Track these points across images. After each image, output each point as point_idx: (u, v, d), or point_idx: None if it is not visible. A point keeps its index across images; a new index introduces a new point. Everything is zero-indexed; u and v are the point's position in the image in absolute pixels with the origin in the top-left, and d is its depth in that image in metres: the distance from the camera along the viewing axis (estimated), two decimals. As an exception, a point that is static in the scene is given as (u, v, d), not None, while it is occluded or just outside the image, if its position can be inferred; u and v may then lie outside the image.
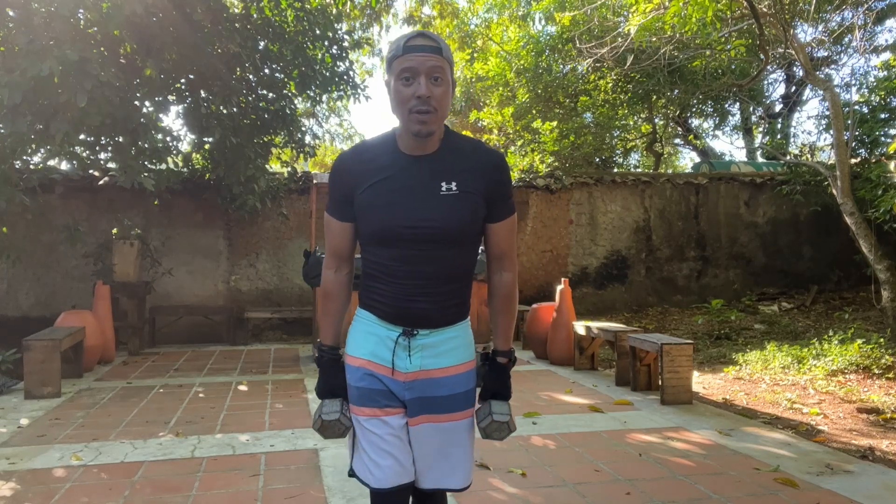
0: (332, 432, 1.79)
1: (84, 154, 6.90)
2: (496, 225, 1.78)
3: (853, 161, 8.52)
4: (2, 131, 5.90)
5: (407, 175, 1.70)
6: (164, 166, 7.46)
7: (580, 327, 6.44)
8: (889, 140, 8.88)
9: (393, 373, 1.75)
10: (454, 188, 1.69)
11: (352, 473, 1.82)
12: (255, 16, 7.63)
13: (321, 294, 1.88)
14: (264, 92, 8.14)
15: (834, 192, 7.33)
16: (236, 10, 7.85)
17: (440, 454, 1.79)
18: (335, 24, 8.02)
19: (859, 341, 6.35)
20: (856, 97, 9.81)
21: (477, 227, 1.76)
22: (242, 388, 5.78)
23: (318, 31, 7.85)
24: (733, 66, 11.22)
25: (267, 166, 8.47)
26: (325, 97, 8.83)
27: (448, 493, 1.92)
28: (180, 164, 8.19)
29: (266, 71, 7.96)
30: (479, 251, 1.91)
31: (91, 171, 7.99)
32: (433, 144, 1.72)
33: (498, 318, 1.87)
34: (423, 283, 1.72)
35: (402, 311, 1.74)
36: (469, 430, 1.85)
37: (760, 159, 14.34)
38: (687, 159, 22.43)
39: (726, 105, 14.11)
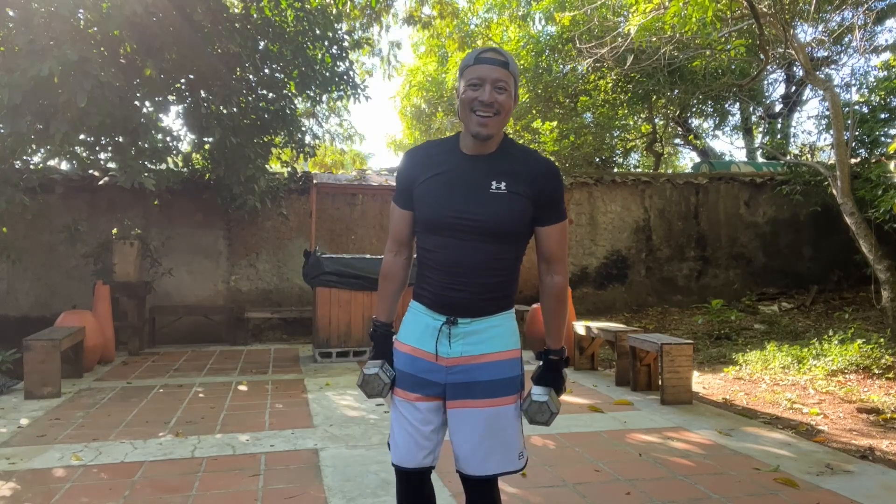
0: (373, 388, 1.96)
1: (84, 154, 6.90)
2: (545, 228, 1.92)
3: (853, 161, 8.51)
4: (2, 131, 5.90)
5: (462, 171, 1.89)
6: (164, 166, 7.46)
7: (580, 327, 6.44)
8: (889, 140, 8.88)
9: (437, 358, 1.90)
10: (503, 188, 1.85)
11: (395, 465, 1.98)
12: (255, 16, 7.63)
13: (381, 275, 2.08)
14: (264, 92, 8.14)
15: (834, 192, 7.33)
16: (236, 10, 7.85)
17: (482, 439, 1.88)
18: (335, 24, 8.02)
19: (859, 341, 6.35)
20: (856, 97, 9.82)
21: (521, 226, 1.89)
22: (242, 388, 5.78)
23: (318, 31, 7.85)
24: (733, 66, 11.22)
25: (267, 166, 8.47)
26: (325, 97, 8.84)
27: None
28: (180, 164, 8.18)
29: (266, 71, 7.96)
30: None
31: (91, 171, 7.98)
32: (490, 147, 1.90)
33: (549, 318, 2.00)
34: (464, 273, 1.87)
35: (445, 299, 1.90)
36: (513, 417, 1.92)
37: (760, 159, 14.34)
38: (687, 159, 22.44)
39: (726, 105, 14.11)
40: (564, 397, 5.32)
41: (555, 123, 10.97)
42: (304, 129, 9.10)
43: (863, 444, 4.05)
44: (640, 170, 16.75)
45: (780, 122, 14.71)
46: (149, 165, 6.95)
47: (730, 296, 10.30)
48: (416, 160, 1.96)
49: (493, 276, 1.89)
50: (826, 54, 11.99)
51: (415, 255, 2.05)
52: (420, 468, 1.92)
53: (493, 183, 1.86)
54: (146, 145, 6.70)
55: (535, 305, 7.38)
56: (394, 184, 7.85)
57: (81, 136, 6.47)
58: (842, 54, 12.64)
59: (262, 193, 8.14)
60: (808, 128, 27.83)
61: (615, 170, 13.21)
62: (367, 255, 7.59)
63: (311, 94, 8.35)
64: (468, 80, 1.84)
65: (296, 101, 8.62)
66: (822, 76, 9.65)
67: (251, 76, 7.95)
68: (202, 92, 7.67)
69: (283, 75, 8.08)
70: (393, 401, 1.98)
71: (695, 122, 15.75)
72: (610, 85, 11.95)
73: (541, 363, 2.00)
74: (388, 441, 2.00)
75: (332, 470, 3.58)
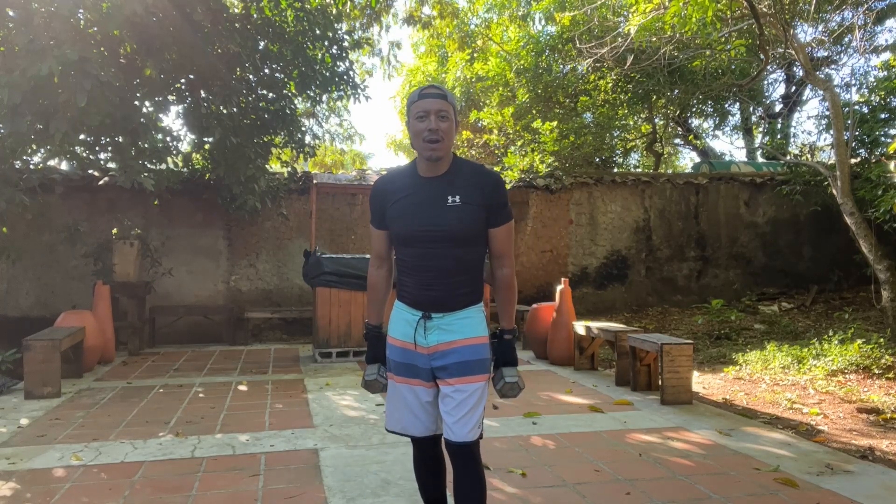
0: (373, 389, 2.42)
1: (84, 154, 6.89)
2: (495, 229, 2.29)
3: (853, 161, 8.51)
4: (2, 131, 5.90)
5: (422, 192, 2.25)
6: (163, 166, 7.46)
7: (580, 327, 6.44)
8: (889, 140, 8.88)
9: (416, 347, 2.29)
10: (458, 200, 2.21)
11: (388, 429, 2.41)
12: (255, 16, 7.63)
13: (368, 285, 2.48)
14: (264, 92, 8.14)
15: (834, 192, 7.33)
16: (236, 10, 7.85)
17: (460, 411, 2.22)
18: (335, 24, 8.01)
19: (859, 341, 6.35)
20: (856, 97, 9.81)
21: (477, 230, 2.25)
22: (242, 388, 5.78)
23: (318, 31, 7.85)
24: (733, 66, 11.21)
25: (267, 166, 8.47)
26: (325, 97, 8.83)
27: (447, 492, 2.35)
28: (180, 164, 8.18)
29: (266, 71, 7.96)
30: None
31: (91, 171, 7.99)
32: (442, 168, 2.25)
33: (501, 304, 2.39)
34: (435, 275, 2.25)
35: (421, 298, 2.28)
36: (481, 393, 2.27)
37: (760, 159, 14.34)
38: (687, 159, 22.43)
39: (726, 105, 14.10)
40: (564, 397, 5.33)
41: (555, 123, 10.94)
42: (304, 129, 9.09)
43: (863, 444, 4.05)
44: (640, 170, 16.74)
45: (780, 122, 14.70)
46: (149, 165, 6.95)
47: (730, 296, 10.30)
48: (384, 188, 2.33)
49: (459, 276, 2.26)
50: (826, 54, 11.99)
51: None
52: (432, 435, 2.36)
53: (449, 197, 2.21)
54: (146, 145, 6.69)
55: (535, 305, 7.37)
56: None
57: (81, 136, 6.46)
58: (842, 54, 12.64)
59: (262, 193, 8.14)
60: (808, 128, 27.84)
61: (615, 170, 13.20)
62: (367, 256, 7.59)
63: (311, 94, 8.35)
64: (415, 113, 2.19)
65: (296, 101, 8.62)
66: (822, 76, 9.65)
67: (251, 76, 7.95)
68: (202, 92, 7.66)
69: (283, 75, 8.08)
70: (391, 384, 2.39)
71: (695, 122, 15.74)
72: (610, 85, 11.95)
73: (497, 342, 2.35)
74: (385, 413, 2.41)
75: (332, 470, 3.58)
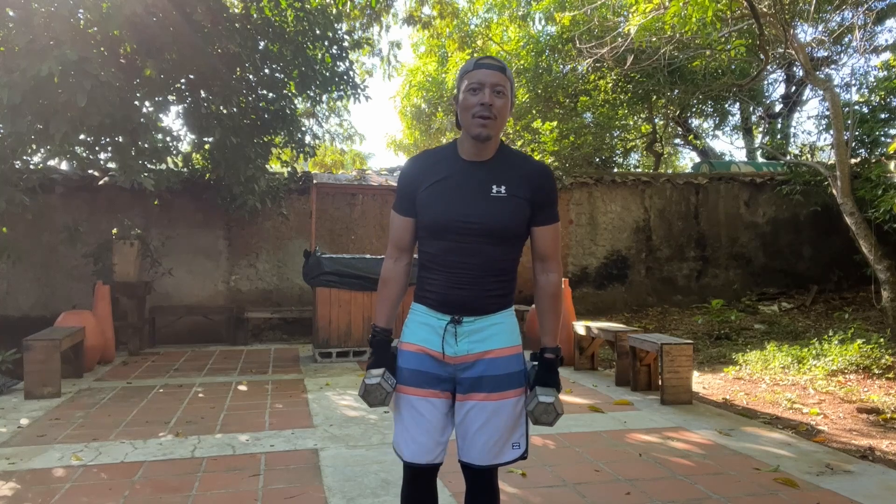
0: (375, 397, 1.98)
1: (84, 154, 6.89)
2: (541, 228, 2.01)
3: (853, 161, 8.51)
4: (2, 131, 5.90)
5: (463, 177, 1.96)
6: (163, 166, 7.46)
7: (580, 327, 6.44)
8: (889, 140, 8.88)
9: (444, 356, 1.96)
10: (503, 191, 1.93)
11: (400, 456, 2.01)
12: (255, 16, 7.63)
13: (381, 281, 2.11)
14: (264, 92, 8.14)
15: (834, 192, 7.33)
16: (236, 10, 7.85)
17: (488, 431, 1.94)
18: (335, 24, 8.01)
19: (859, 341, 6.35)
20: (856, 97, 9.82)
21: (520, 227, 1.97)
22: (242, 388, 5.78)
23: (318, 31, 7.84)
24: (733, 66, 11.22)
25: (267, 166, 8.47)
26: (325, 97, 8.83)
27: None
28: (180, 164, 8.18)
29: (266, 71, 7.96)
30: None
31: (91, 171, 7.99)
32: (489, 152, 1.97)
33: (545, 317, 2.08)
34: (468, 273, 1.95)
35: (450, 299, 1.96)
36: (516, 409, 1.98)
37: (760, 159, 14.34)
38: (687, 159, 22.43)
39: (726, 105, 14.11)
40: (564, 397, 5.32)
41: (555, 123, 10.95)
42: (304, 129, 9.09)
43: (863, 444, 4.05)
44: (640, 170, 16.74)
45: (780, 122, 14.70)
46: (149, 165, 6.95)
47: (730, 296, 10.30)
48: (418, 168, 2.02)
49: (495, 277, 1.97)
50: (826, 54, 11.98)
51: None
52: (434, 464, 1.98)
53: (494, 187, 1.93)
54: (146, 145, 6.69)
55: (534, 305, 7.37)
56: (394, 184, 7.85)
57: (81, 136, 6.46)
58: (842, 54, 12.64)
59: (262, 193, 8.14)
60: (808, 128, 27.87)
61: (615, 170, 13.20)
62: (367, 255, 7.59)
63: (311, 94, 8.35)
64: (467, 85, 1.91)
65: (296, 101, 8.61)
66: (822, 76, 9.65)
67: (251, 76, 7.94)
68: (202, 92, 7.66)
69: (283, 75, 8.08)
70: (402, 400, 2.00)
71: (695, 122, 15.74)
72: (610, 85, 11.95)
73: (536, 363, 2.04)
74: (395, 442, 2.03)
75: (332, 470, 3.58)
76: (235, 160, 7.56)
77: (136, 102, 6.77)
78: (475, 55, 14.09)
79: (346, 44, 8.29)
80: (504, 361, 1.97)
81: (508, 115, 1.98)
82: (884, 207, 7.40)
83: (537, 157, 10.31)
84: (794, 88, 14.36)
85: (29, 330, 6.57)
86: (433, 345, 1.97)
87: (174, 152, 7.60)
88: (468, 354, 1.96)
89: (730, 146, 36.16)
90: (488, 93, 1.88)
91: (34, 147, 6.41)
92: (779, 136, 13.75)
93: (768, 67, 10.30)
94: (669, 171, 18.64)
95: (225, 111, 7.73)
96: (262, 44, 7.67)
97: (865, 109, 9.06)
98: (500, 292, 2.00)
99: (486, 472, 1.98)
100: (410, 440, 1.97)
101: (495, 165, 1.97)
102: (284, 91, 8.10)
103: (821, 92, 8.55)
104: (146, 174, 6.61)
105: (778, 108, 15.18)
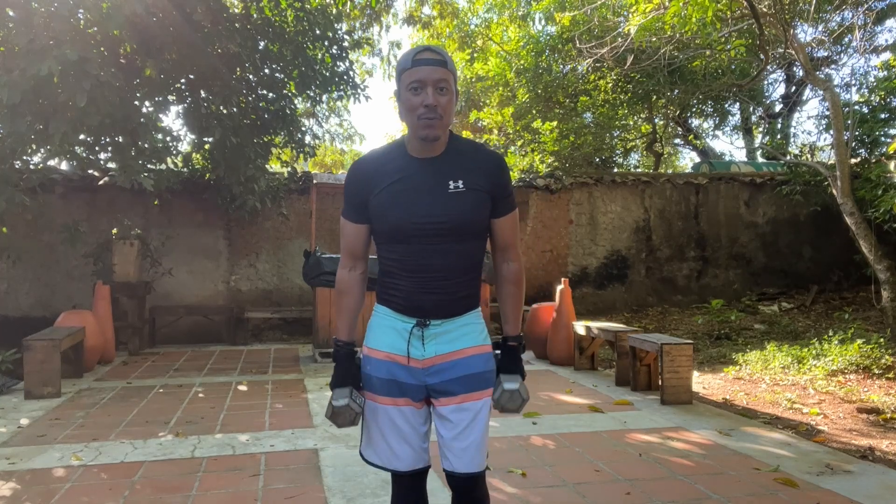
0: (344, 419, 1.89)
1: (84, 154, 6.89)
2: (500, 219, 1.94)
3: (853, 161, 8.51)
4: (2, 131, 5.90)
5: (417, 176, 1.85)
6: (163, 166, 7.46)
7: (580, 327, 6.44)
8: (889, 140, 8.88)
9: (409, 360, 1.89)
10: (461, 186, 1.85)
11: (369, 461, 1.95)
12: (255, 16, 7.63)
13: (336, 291, 2.04)
14: (264, 92, 8.14)
15: (834, 192, 7.33)
16: (236, 10, 7.85)
17: (467, 435, 1.88)
18: (335, 24, 8.01)
19: (859, 341, 6.35)
20: (856, 97, 9.82)
21: (483, 221, 1.90)
22: (242, 388, 5.78)
23: (318, 31, 7.84)
24: (733, 66, 11.22)
25: (267, 166, 8.47)
26: (325, 97, 8.83)
27: (446, 492, 2.03)
28: (180, 164, 8.18)
29: (266, 71, 7.96)
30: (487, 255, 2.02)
31: (91, 171, 7.99)
32: (439, 147, 1.87)
33: (507, 305, 2.02)
34: (434, 276, 1.86)
35: (416, 303, 1.88)
36: (487, 412, 1.93)
37: (760, 159, 14.34)
38: (687, 159, 22.43)
39: (726, 105, 14.10)
40: (564, 397, 5.32)
41: (555, 123, 10.95)
42: (304, 129, 9.09)
43: (863, 444, 4.05)
44: (640, 170, 16.74)
45: (780, 122, 14.70)
46: (148, 166, 6.95)
47: (730, 296, 10.30)
48: (367, 171, 1.90)
49: (461, 277, 1.90)
50: (826, 54, 11.98)
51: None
52: (420, 469, 1.94)
53: (451, 182, 1.85)
54: (146, 145, 6.69)
55: (535, 305, 7.37)
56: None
57: (81, 136, 6.46)
58: (842, 54, 12.64)
59: (262, 193, 8.14)
60: (808, 128, 27.87)
61: (615, 170, 13.20)
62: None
63: (311, 94, 8.35)
64: (408, 83, 1.78)
65: (296, 101, 8.61)
66: (822, 76, 9.65)
67: (251, 76, 7.94)
68: (202, 92, 7.66)
69: (283, 75, 8.08)
70: (377, 410, 1.92)
71: (695, 122, 15.74)
72: (610, 85, 11.95)
73: (501, 353, 1.99)
74: (366, 450, 1.96)
75: (332, 470, 3.58)
76: (235, 160, 7.56)
77: (136, 102, 6.77)
78: (475, 55, 14.13)
79: (346, 44, 8.29)
80: (474, 360, 1.91)
81: (454, 108, 1.87)
82: (884, 207, 7.40)
83: (537, 157, 10.31)
84: (794, 88, 14.36)
85: (29, 330, 6.58)
86: (399, 350, 1.90)
87: (174, 152, 7.60)
88: (436, 356, 1.88)
89: (730, 146, 36.16)
90: (431, 92, 1.76)
91: (34, 147, 6.41)
92: (779, 136, 13.75)
93: (768, 67, 10.30)
94: (669, 171, 18.63)
95: (225, 111, 7.73)
96: (262, 44, 7.67)
97: (865, 109, 9.06)
98: (467, 293, 1.92)
99: (472, 479, 1.90)
100: (389, 450, 1.91)
101: (448, 160, 1.87)
102: (284, 91, 8.10)
103: (821, 92, 8.55)
104: (146, 174, 6.61)
105: (778, 108, 15.18)
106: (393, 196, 1.84)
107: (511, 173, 9.72)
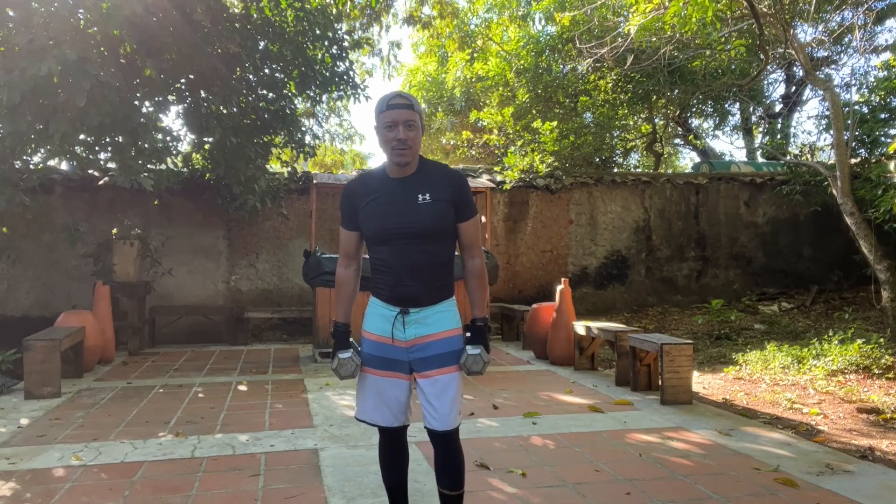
0: (346, 369, 2.44)
1: (84, 154, 6.89)
2: (464, 224, 2.44)
3: (853, 161, 8.51)
4: (2, 131, 5.90)
5: (393, 192, 2.38)
6: (163, 166, 7.46)
7: (580, 327, 6.43)
8: (889, 140, 8.88)
9: (393, 341, 2.41)
10: (428, 198, 2.35)
11: (359, 419, 2.49)
12: (255, 16, 7.63)
13: (337, 283, 2.57)
14: (264, 92, 8.13)
15: (834, 192, 7.33)
16: (236, 10, 7.84)
17: (442, 401, 2.37)
18: (335, 24, 8.01)
19: (859, 341, 6.35)
20: (856, 97, 9.81)
21: (448, 225, 2.39)
22: (242, 388, 5.78)
23: (318, 31, 7.84)
24: (733, 66, 11.21)
25: (267, 166, 8.46)
26: (325, 97, 8.82)
27: (453, 494, 2.47)
28: (180, 164, 8.18)
29: (266, 71, 7.96)
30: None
31: (91, 171, 7.98)
32: (410, 169, 2.39)
33: (473, 294, 2.50)
34: (411, 271, 2.37)
35: (398, 294, 2.40)
36: (458, 381, 2.43)
37: (760, 159, 14.33)
38: (687, 159, 22.41)
39: (726, 105, 14.09)
40: (564, 397, 5.33)
41: (555, 123, 10.94)
42: (304, 129, 9.08)
43: (863, 444, 4.05)
44: (640, 170, 16.74)
45: (780, 122, 14.69)
46: (148, 166, 6.95)
47: (730, 296, 10.30)
48: (356, 190, 2.45)
49: (433, 271, 2.39)
50: (826, 54, 11.98)
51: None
52: (401, 426, 2.48)
53: (420, 196, 2.35)
54: (146, 145, 6.69)
55: (535, 305, 7.37)
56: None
57: (81, 136, 6.46)
58: (842, 54, 12.64)
59: (262, 193, 8.13)
60: (808, 128, 27.82)
61: (615, 170, 13.19)
62: (367, 256, 7.58)
63: (311, 94, 8.34)
64: (383, 123, 2.31)
65: (296, 101, 8.61)
66: (822, 76, 9.65)
67: (251, 76, 7.94)
68: (202, 92, 7.66)
69: (283, 75, 8.08)
70: (367, 379, 2.45)
71: (695, 122, 15.73)
72: (610, 85, 11.94)
73: (468, 333, 2.46)
74: (361, 413, 2.47)
75: (332, 470, 3.58)
76: (235, 160, 7.55)
77: (136, 102, 6.77)
78: (475, 55, 14.13)
79: (346, 44, 8.29)
80: (446, 341, 2.40)
81: (420, 138, 2.38)
82: (884, 207, 7.40)
83: (537, 157, 10.31)
84: (794, 88, 14.35)
85: (29, 330, 6.58)
86: (386, 332, 2.41)
87: (174, 152, 7.59)
88: (416, 338, 2.39)
89: (730, 146, 36.13)
90: (402, 129, 2.28)
91: (34, 147, 6.41)
92: (779, 136, 13.73)
93: (768, 67, 10.30)
94: (669, 171, 18.63)
95: (225, 111, 7.73)
96: (262, 44, 7.66)
97: (865, 109, 9.05)
98: (439, 284, 2.41)
99: (446, 435, 2.39)
100: (376, 411, 2.44)
101: (418, 178, 2.38)
102: (284, 91, 8.10)
103: (821, 92, 8.55)
104: (146, 174, 6.61)
105: (778, 108, 15.17)
106: (375, 208, 2.37)
107: (511, 173, 9.77)
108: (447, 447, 2.44)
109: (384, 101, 2.33)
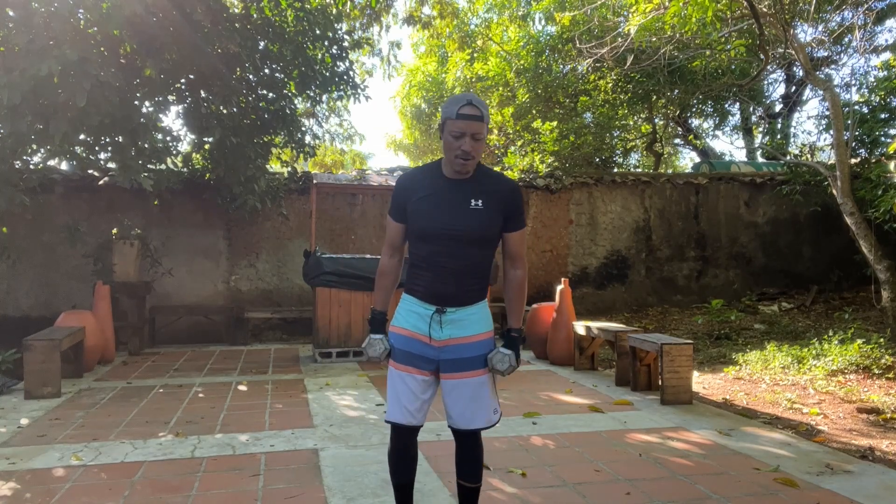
0: (375, 349, 2.46)
1: (84, 154, 6.89)
2: (511, 234, 2.45)
3: (853, 161, 8.51)
4: (2, 131, 5.90)
5: (446, 193, 2.38)
6: (163, 166, 7.46)
7: (580, 327, 6.44)
8: (889, 140, 8.88)
9: (430, 340, 2.41)
10: (480, 205, 2.36)
11: (388, 421, 2.47)
12: (255, 16, 7.63)
13: (379, 272, 2.58)
14: (264, 92, 8.13)
15: (834, 192, 7.33)
16: (236, 10, 7.84)
17: (469, 402, 2.41)
18: (335, 24, 8.01)
19: (859, 341, 6.35)
20: (856, 97, 9.81)
21: (494, 234, 2.40)
22: (242, 388, 5.78)
23: (318, 31, 7.84)
24: (733, 66, 11.21)
25: (267, 166, 8.46)
26: (325, 97, 8.83)
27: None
28: (180, 164, 8.18)
29: (266, 71, 7.96)
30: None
31: (91, 171, 7.98)
32: (469, 173, 2.39)
33: (512, 303, 2.52)
34: (451, 271, 2.37)
35: (436, 293, 2.40)
36: (488, 384, 2.46)
37: (760, 159, 14.33)
38: (687, 159, 22.41)
39: (726, 105, 14.10)
40: (564, 397, 5.33)
41: (555, 123, 10.95)
42: (304, 129, 9.08)
43: (863, 444, 4.05)
44: (640, 170, 16.74)
45: (780, 122, 14.70)
46: (148, 166, 6.95)
47: (730, 296, 10.30)
48: (409, 183, 2.45)
49: (473, 274, 2.40)
50: (826, 54, 11.98)
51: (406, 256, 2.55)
52: (415, 426, 2.46)
53: (472, 201, 2.35)
54: (146, 145, 6.69)
55: (535, 305, 7.37)
56: (393, 183, 7.85)
57: (81, 136, 6.45)
58: (842, 54, 12.64)
59: (262, 193, 8.13)
60: (808, 128, 27.80)
61: (615, 170, 13.20)
62: (367, 255, 7.58)
63: (311, 94, 8.34)
64: (451, 130, 2.28)
65: (296, 101, 8.61)
66: (822, 76, 9.65)
67: (251, 76, 7.94)
68: (202, 92, 7.66)
69: (283, 75, 8.08)
70: (394, 374, 2.46)
71: (695, 122, 15.74)
72: (610, 85, 11.95)
73: (503, 340, 2.49)
74: (389, 412, 2.46)
75: (332, 470, 3.58)
76: (235, 160, 7.55)
77: (136, 102, 6.77)
78: (475, 55, 14.12)
79: (346, 44, 8.29)
80: (480, 344, 2.43)
81: (483, 148, 2.36)
82: (884, 207, 7.40)
83: (537, 157, 10.32)
84: (794, 88, 14.36)
85: (29, 330, 6.58)
86: (421, 330, 2.41)
87: (174, 152, 7.60)
88: (451, 339, 2.39)
89: (730, 146, 36.13)
90: (468, 141, 2.27)
91: (34, 147, 6.41)
92: (779, 136, 13.74)
93: (768, 67, 10.30)
94: (669, 171, 18.63)
95: (225, 111, 7.73)
96: (262, 44, 7.66)
97: (865, 109, 9.05)
98: (477, 287, 2.43)
99: (473, 435, 2.48)
100: (400, 406, 2.42)
101: (473, 184, 2.38)
102: (284, 91, 8.10)
103: (821, 92, 8.55)
104: (145, 174, 6.61)
105: (778, 108, 15.18)
106: (425, 205, 2.37)
107: (511, 173, 9.77)
108: (472, 443, 2.51)
109: (455, 106, 2.29)
